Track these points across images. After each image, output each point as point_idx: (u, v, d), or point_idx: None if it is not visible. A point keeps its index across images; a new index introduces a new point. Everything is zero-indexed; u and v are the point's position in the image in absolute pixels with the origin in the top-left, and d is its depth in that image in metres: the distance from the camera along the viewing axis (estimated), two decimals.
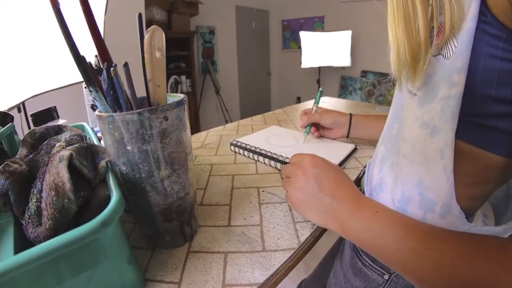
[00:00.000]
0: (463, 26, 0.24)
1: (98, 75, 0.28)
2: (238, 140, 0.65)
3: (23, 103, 0.70)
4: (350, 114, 0.64)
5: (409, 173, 0.33)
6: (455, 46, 0.25)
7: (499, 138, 0.27)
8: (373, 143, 0.68)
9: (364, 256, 0.42)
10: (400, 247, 0.27)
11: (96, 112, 0.28)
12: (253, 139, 0.66)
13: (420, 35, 0.26)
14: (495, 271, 0.22)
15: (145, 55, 0.28)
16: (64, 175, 0.23)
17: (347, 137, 0.65)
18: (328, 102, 1.16)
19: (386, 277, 0.39)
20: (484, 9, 0.23)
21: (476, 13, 0.23)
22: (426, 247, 0.25)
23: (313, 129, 0.66)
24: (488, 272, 0.22)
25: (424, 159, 0.31)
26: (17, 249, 0.24)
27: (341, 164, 0.55)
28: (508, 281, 0.21)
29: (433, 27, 0.26)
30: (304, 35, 3.12)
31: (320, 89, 0.70)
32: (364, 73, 3.21)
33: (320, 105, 0.68)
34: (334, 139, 0.67)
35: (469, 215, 0.34)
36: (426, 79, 0.29)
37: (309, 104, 1.15)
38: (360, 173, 0.53)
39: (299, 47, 3.21)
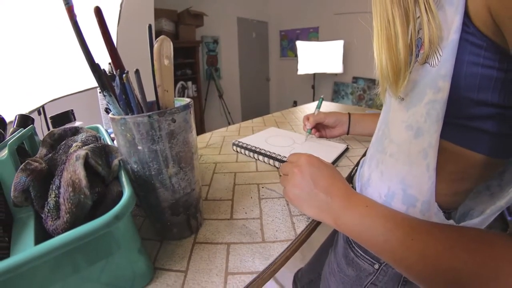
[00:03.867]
0: (446, 37, 0.25)
1: (111, 81, 0.28)
2: (239, 140, 0.65)
3: (43, 106, 0.70)
4: (349, 114, 0.67)
5: (393, 170, 0.33)
6: (440, 55, 0.25)
7: (482, 138, 0.27)
8: (364, 143, 0.68)
9: (356, 248, 0.42)
10: (388, 239, 0.27)
11: (110, 115, 0.28)
12: (254, 140, 0.66)
13: (400, 55, 0.27)
14: (478, 262, 0.22)
15: (155, 62, 0.28)
16: (81, 172, 0.23)
17: (347, 133, 0.67)
18: (322, 106, 1.16)
19: (376, 266, 0.39)
20: (467, 21, 0.23)
21: (460, 25, 0.24)
22: (412, 238, 0.25)
23: (313, 130, 0.69)
24: (471, 262, 0.22)
25: (408, 159, 0.31)
26: (38, 241, 0.24)
27: (334, 162, 0.55)
28: (489, 275, 0.21)
29: (416, 42, 0.27)
30: (300, 44, 3.11)
31: (322, 96, 0.73)
32: (355, 79, 3.21)
33: (314, 109, 0.69)
34: (336, 136, 0.69)
35: (453, 209, 0.34)
36: (413, 85, 0.29)
37: (305, 107, 1.15)
38: (352, 171, 0.53)
39: (296, 55, 3.21)
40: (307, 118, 0.70)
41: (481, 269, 0.21)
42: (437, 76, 0.26)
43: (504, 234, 0.23)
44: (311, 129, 0.68)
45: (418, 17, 0.26)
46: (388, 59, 0.28)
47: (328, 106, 1.15)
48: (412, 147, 0.30)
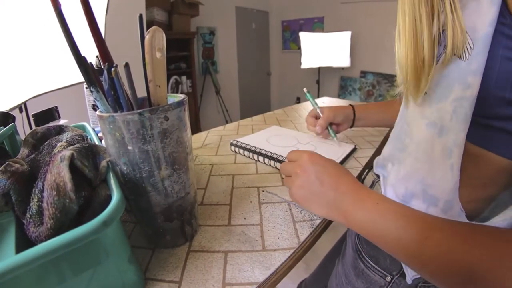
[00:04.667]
0: (480, 29, 0.25)
1: (99, 76, 0.28)
2: (238, 140, 0.65)
3: (24, 103, 0.70)
4: (352, 106, 0.67)
5: (412, 170, 0.33)
6: (471, 47, 0.25)
7: (509, 141, 0.27)
8: (373, 143, 0.68)
9: (366, 258, 0.42)
10: (401, 237, 0.27)
11: (97, 112, 0.28)
12: (253, 139, 0.66)
13: (425, 55, 0.27)
14: (493, 258, 0.22)
15: (146, 55, 0.28)
16: (66, 175, 0.23)
17: (351, 127, 0.68)
18: (327, 103, 1.16)
19: (388, 279, 0.39)
20: (504, 11, 0.23)
21: (496, 17, 0.24)
22: (426, 236, 0.26)
23: (334, 126, 0.67)
24: (486, 259, 0.22)
25: (429, 158, 0.31)
26: (19, 249, 0.24)
27: (340, 164, 0.55)
28: (505, 272, 0.21)
29: (439, 42, 0.27)
30: (303, 35, 3.12)
31: (307, 90, 0.70)
32: (363, 74, 3.21)
33: (319, 105, 0.68)
34: (340, 132, 0.69)
35: (473, 217, 0.34)
36: (439, 79, 0.29)
37: (309, 104, 1.15)
38: (361, 173, 0.53)
39: (299, 48, 3.22)
40: (313, 120, 0.67)
41: (496, 266, 0.22)
42: (467, 71, 0.26)
43: None
44: (331, 127, 0.65)
45: (442, 11, 0.26)
46: (413, 59, 0.28)
47: (333, 103, 1.15)
48: (435, 146, 0.30)
